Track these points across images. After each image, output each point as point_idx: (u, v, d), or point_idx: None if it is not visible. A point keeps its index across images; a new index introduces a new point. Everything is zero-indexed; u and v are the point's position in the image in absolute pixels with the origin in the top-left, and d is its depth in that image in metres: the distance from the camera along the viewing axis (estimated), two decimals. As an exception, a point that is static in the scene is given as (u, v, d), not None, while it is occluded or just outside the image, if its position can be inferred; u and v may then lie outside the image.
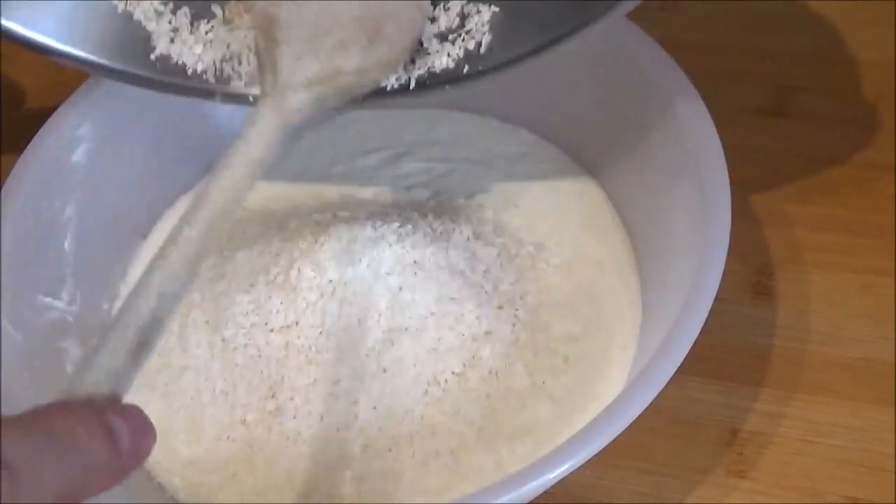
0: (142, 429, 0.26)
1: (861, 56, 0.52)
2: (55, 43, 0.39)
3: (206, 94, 0.40)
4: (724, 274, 0.35)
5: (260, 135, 0.32)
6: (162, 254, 0.28)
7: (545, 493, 0.33)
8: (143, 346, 0.27)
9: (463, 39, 0.37)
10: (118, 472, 0.25)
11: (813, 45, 0.53)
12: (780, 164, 0.48)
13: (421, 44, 0.38)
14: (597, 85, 0.44)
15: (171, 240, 0.29)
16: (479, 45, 0.37)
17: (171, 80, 0.39)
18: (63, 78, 0.43)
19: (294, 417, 0.38)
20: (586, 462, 0.31)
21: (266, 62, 0.35)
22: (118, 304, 0.44)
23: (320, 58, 0.34)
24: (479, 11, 0.38)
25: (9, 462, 0.22)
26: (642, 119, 0.42)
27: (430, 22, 0.38)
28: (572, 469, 0.31)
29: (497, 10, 0.38)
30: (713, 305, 0.34)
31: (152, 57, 0.39)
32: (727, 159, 0.38)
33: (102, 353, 0.26)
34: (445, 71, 0.37)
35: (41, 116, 0.43)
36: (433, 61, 0.38)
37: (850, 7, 0.54)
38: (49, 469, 0.23)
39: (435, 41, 0.38)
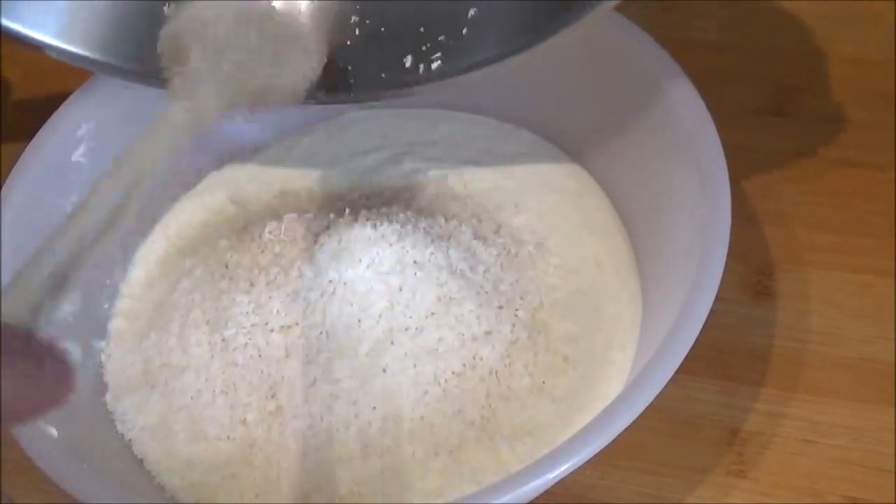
0: (65, 369, 0.25)
1: (861, 56, 0.52)
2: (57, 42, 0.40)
3: None
4: (724, 274, 0.35)
5: (171, 126, 0.34)
6: (81, 206, 0.29)
7: (545, 493, 0.33)
8: (58, 286, 0.27)
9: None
10: (39, 407, 0.24)
11: (813, 45, 0.53)
12: (780, 164, 0.48)
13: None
14: (597, 85, 0.44)
15: (90, 196, 0.30)
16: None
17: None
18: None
19: (294, 417, 0.38)
20: (586, 462, 0.31)
21: (176, 60, 0.37)
22: (118, 303, 0.44)
23: (228, 65, 0.36)
24: None
25: None
26: (642, 119, 0.42)
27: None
28: (572, 469, 0.31)
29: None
30: (713, 305, 0.34)
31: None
32: (727, 159, 0.38)
33: (18, 285, 0.26)
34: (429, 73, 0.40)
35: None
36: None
37: (850, 7, 0.54)
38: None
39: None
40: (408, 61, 0.40)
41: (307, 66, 0.39)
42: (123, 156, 0.31)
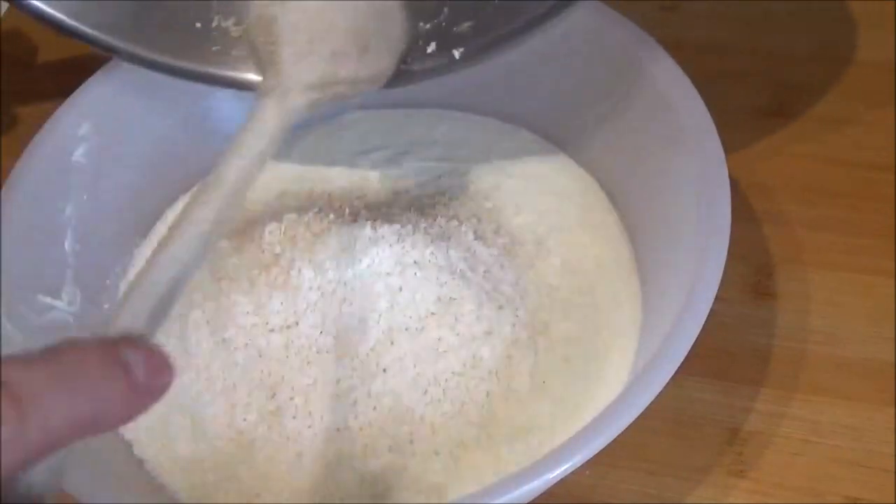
0: (159, 362, 0.25)
1: (861, 56, 0.52)
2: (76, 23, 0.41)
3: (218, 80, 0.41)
4: (724, 274, 0.35)
5: (265, 128, 0.34)
6: (177, 228, 0.30)
7: (545, 493, 0.33)
8: (157, 314, 0.27)
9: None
10: (133, 404, 0.24)
11: (813, 45, 0.53)
12: (780, 164, 0.48)
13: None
14: (597, 85, 0.44)
15: (185, 217, 0.30)
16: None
17: (185, 65, 0.41)
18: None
19: (294, 417, 0.38)
20: (586, 462, 0.31)
21: (266, 59, 0.36)
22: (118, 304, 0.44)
23: (320, 62, 0.36)
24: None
25: (12, 389, 0.21)
26: (643, 119, 0.42)
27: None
28: (572, 469, 0.31)
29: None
30: (713, 305, 0.34)
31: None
32: (727, 159, 0.38)
33: (120, 315, 0.27)
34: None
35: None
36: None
37: (850, 7, 0.54)
38: (56, 398, 0.22)
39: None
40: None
41: (394, 51, 0.38)
42: (221, 165, 0.31)
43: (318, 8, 0.37)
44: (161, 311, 0.28)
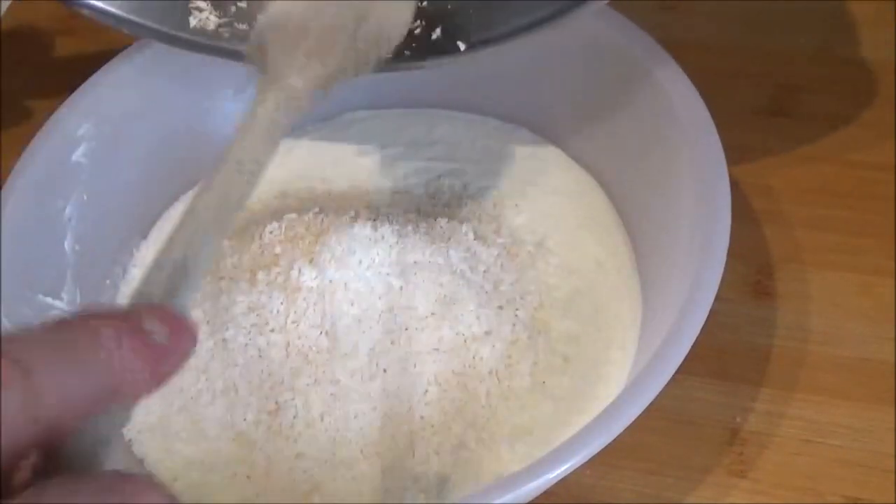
0: (180, 327, 0.24)
1: (861, 56, 0.52)
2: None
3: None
4: (724, 274, 0.35)
5: (265, 116, 0.32)
6: (190, 209, 0.28)
7: (545, 493, 0.33)
8: (176, 283, 0.26)
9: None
10: (156, 373, 0.23)
11: (813, 45, 0.53)
12: (780, 164, 0.48)
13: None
14: (597, 85, 0.44)
15: (198, 197, 0.29)
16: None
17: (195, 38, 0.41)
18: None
19: (294, 417, 0.38)
20: (586, 462, 0.31)
21: (257, 60, 0.36)
22: (118, 303, 0.44)
23: (308, 60, 0.34)
24: None
25: (22, 362, 0.20)
26: (643, 119, 0.42)
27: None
28: (572, 469, 0.31)
29: None
30: (713, 305, 0.34)
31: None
32: (727, 159, 0.38)
33: (142, 292, 0.26)
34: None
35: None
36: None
37: (850, 7, 0.54)
38: (68, 371, 0.21)
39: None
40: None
41: (396, 28, 0.37)
42: (226, 151, 0.30)
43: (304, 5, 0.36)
44: (181, 280, 0.26)
